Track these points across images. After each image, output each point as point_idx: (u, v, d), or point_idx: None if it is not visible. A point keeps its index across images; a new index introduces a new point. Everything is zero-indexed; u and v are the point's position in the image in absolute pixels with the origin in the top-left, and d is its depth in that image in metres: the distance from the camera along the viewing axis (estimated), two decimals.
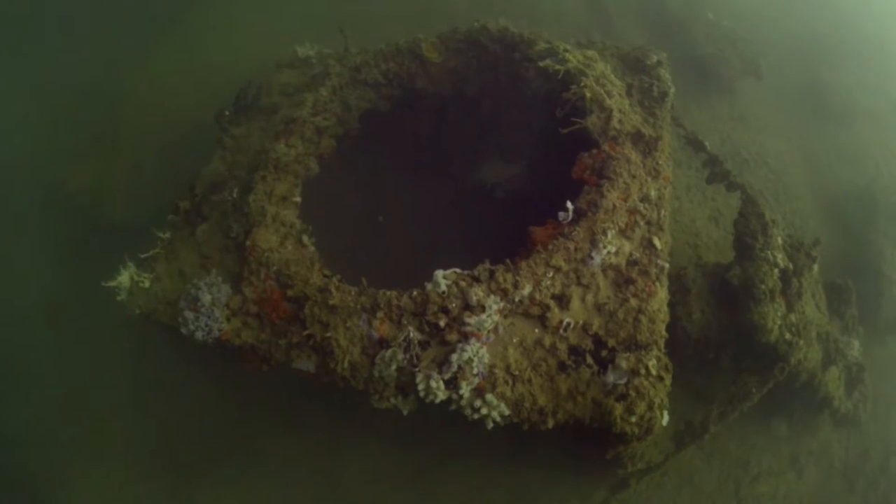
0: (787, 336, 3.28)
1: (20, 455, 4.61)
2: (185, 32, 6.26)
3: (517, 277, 2.81)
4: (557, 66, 3.72)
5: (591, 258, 2.93)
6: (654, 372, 2.74)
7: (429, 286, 2.92)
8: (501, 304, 2.81)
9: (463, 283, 2.86)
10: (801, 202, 5.60)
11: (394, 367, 2.86)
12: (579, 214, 2.97)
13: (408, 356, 2.83)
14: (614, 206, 2.99)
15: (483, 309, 2.80)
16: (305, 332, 3.11)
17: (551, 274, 2.86)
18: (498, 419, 2.84)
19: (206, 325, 3.27)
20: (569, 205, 3.00)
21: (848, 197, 5.51)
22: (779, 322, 3.28)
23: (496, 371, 2.87)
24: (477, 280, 2.87)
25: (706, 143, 4.41)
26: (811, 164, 6.02)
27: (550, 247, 2.86)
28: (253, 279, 3.48)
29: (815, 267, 3.69)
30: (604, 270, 2.98)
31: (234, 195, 4.11)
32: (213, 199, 4.40)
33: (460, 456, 4.13)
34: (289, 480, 4.17)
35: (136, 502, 4.17)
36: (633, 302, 2.93)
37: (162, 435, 4.50)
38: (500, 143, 5.48)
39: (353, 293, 3.06)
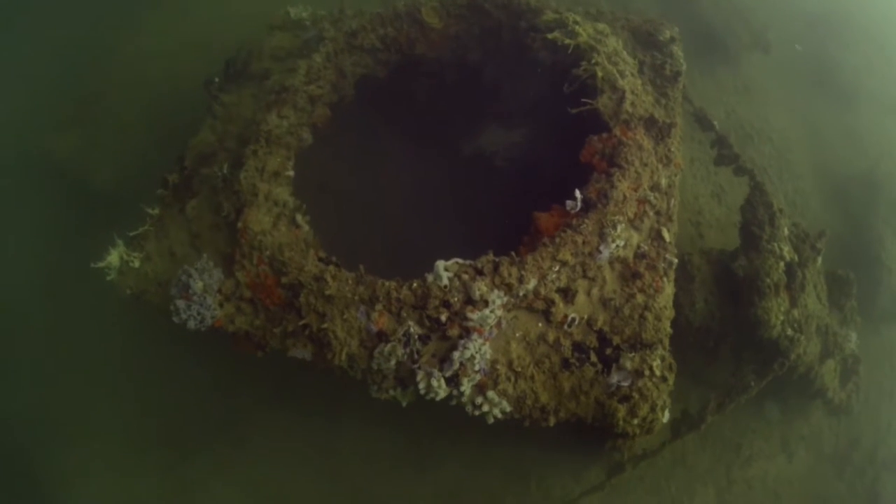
0: (789, 332, 3.25)
1: (11, 433, 4.59)
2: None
3: (522, 272, 2.70)
4: (567, 40, 3.47)
5: (600, 252, 2.81)
6: (657, 373, 2.69)
7: (430, 277, 2.81)
8: (505, 299, 2.73)
9: (466, 276, 2.75)
10: (803, 182, 5.48)
11: (393, 361, 2.78)
12: (588, 205, 2.83)
13: (407, 351, 2.76)
14: (625, 196, 2.85)
15: (486, 304, 2.71)
16: (301, 322, 3.03)
17: (557, 268, 2.76)
18: (499, 416, 2.80)
19: (199, 314, 3.16)
20: (577, 194, 2.87)
21: (850, 180, 5.40)
22: (781, 318, 3.24)
23: (498, 367, 2.80)
24: (480, 273, 2.76)
25: (715, 122, 4.24)
26: (815, 143, 5.86)
27: (557, 240, 2.74)
28: (245, 263, 3.35)
29: (819, 259, 3.63)
30: (611, 263, 2.87)
31: (225, 170, 3.90)
32: (202, 172, 4.21)
33: (458, 432, 4.16)
34: (285, 457, 4.18)
35: (130, 480, 4.19)
36: (640, 298, 2.85)
37: (155, 411, 4.47)
38: (499, 111, 5.26)
39: (350, 282, 2.95)
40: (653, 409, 2.64)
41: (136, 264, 3.83)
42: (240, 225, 3.37)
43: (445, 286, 2.68)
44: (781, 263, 3.30)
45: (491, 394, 2.76)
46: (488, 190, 5.27)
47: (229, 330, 3.34)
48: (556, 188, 4.70)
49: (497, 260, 2.77)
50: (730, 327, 3.48)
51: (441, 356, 2.80)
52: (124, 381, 4.79)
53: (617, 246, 2.82)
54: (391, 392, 2.93)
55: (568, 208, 2.87)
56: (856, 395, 3.99)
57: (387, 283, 2.84)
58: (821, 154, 5.74)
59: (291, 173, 4.00)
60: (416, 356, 2.73)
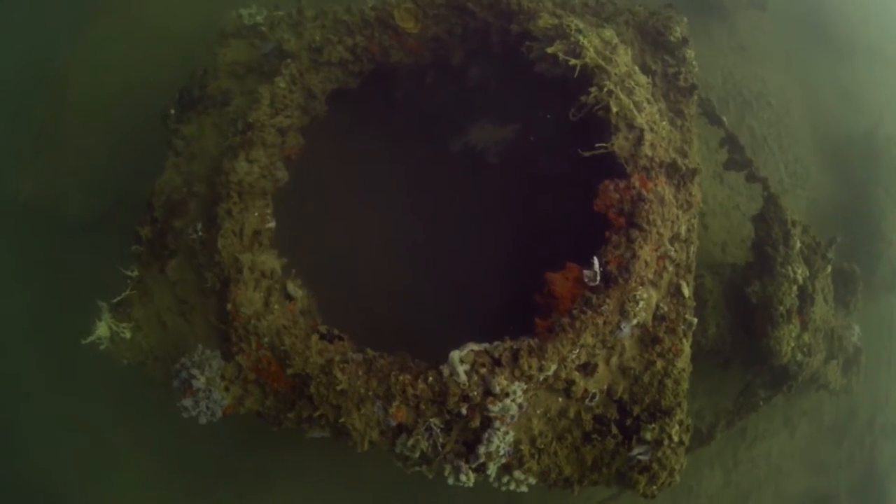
0: (799, 357, 3.25)
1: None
2: (113, 4, 5.06)
3: (542, 361, 2.59)
4: (573, 61, 3.06)
5: (621, 329, 2.70)
6: (675, 439, 2.69)
7: (445, 370, 2.69)
8: (525, 387, 2.65)
9: (483, 370, 2.62)
10: (802, 146, 5.24)
11: (417, 453, 2.76)
12: (608, 279, 2.67)
13: (431, 443, 2.72)
14: (646, 263, 2.69)
15: (507, 395, 2.65)
16: (317, 413, 2.94)
17: (578, 351, 2.67)
18: (525, 490, 2.86)
19: (208, 408, 3.03)
20: (595, 265, 2.65)
21: (849, 143, 5.17)
22: (792, 344, 3.24)
23: (522, 447, 2.78)
24: (498, 363, 2.63)
25: (724, 119, 3.94)
26: (812, 103, 5.51)
27: (578, 324, 2.57)
28: (244, 346, 3.15)
29: (829, 267, 3.57)
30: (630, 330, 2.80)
31: (199, 232, 3.59)
32: (175, 225, 3.88)
33: None
34: (309, 495, 4.29)
35: None
36: (659, 364, 2.76)
37: (174, 460, 4.49)
38: (488, 106, 4.85)
39: (361, 375, 2.82)
40: (671, 473, 2.70)
41: (128, 335, 3.62)
42: (229, 307, 3.15)
43: (464, 384, 2.60)
44: (795, 287, 3.24)
45: (517, 473, 2.76)
46: (482, 186, 5.00)
47: (240, 413, 3.26)
48: (556, 183, 4.49)
49: (516, 347, 2.63)
50: (741, 350, 3.50)
51: (465, 440, 2.78)
52: (133, 423, 4.77)
53: (638, 320, 2.73)
54: (417, 468, 2.95)
55: (585, 279, 2.68)
56: (856, 379, 4.14)
57: (401, 378, 2.70)
58: (819, 114, 5.44)
59: (273, 224, 3.70)
60: (439, 447, 2.70)
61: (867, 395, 4.64)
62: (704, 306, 3.44)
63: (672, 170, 2.80)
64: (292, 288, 3.33)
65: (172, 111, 4.14)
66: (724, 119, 3.82)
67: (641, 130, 2.79)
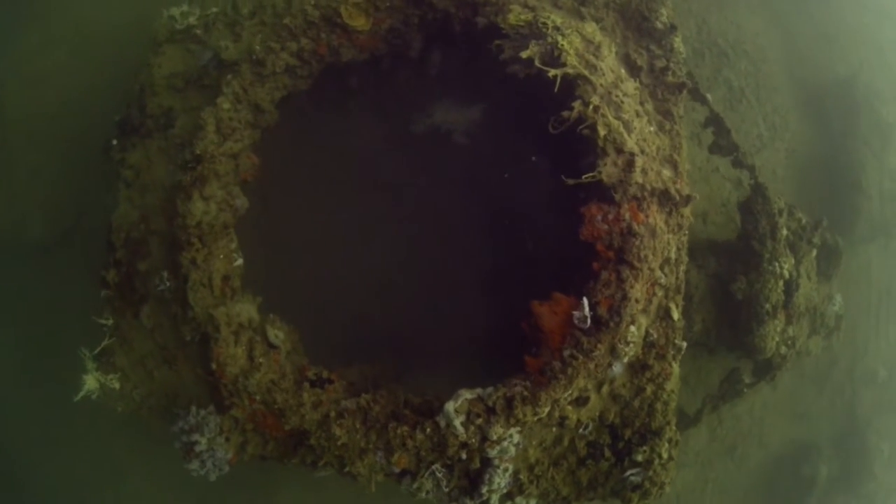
0: (783, 350, 3.34)
1: None
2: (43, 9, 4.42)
3: (536, 408, 2.62)
4: (553, 72, 2.76)
5: (612, 369, 2.72)
6: (665, 456, 2.83)
7: (441, 421, 2.71)
8: (521, 430, 2.72)
9: (479, 420, 2.65)
10: (779, 96, 4.97)
11: (423, 493, 2.89)
12: (598, 322, 2.61)
13: (435, 483, 2.84)
14: (637, 300, 2.65)
15: (504, 439, 2.72)
16: (321, 463, 3.00)
17: (569, 392, 2.70)
18: None
19: (215, 465, 3.07)
20: (585, 307, 2.59)
21: (828, 91, 4.92)
22: (777, 339, 3.32)
23: (520, 476, 2.91)
24: (493, 411, 2.64)
25: (708, 96, 3.70)
26: (790, 48, 5.13)
27: (570, 370, 2.54)
28: (236, 401, 3.15)
29: (815, 251, 3.56)
30: None
31: (166, 281, 3.42)
32: (139, 268, 3.70)
33: None
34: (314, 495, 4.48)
35: None
36: (649, 389, 2.80)
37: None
38: (452, 86, 4.49)
39: (359, 428, 2.85)
40: (661, 487, 2.87)
41: (116, 385, 3.59)
42: (213, 367, 3.08)
43: (461, 435, 2.64)
44: (781, 283, 3.26)
45: (519, 499, 2.92)
46: (450, 165, 4.77)
47: (245, 460, 3.32)
48: (527, 161, 4.30)
49: (509, 395, 2.64)
50: (726, 339, 3.58)
51: (467, 474, 2.89)
52: (139, 445, 4.86)
53: (628, 359, 2.74)
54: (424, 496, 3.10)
55: (575, 320, 2.61)
56: (837, 340, 4.30)
57: (399, 430, 2.73)
58: (797, 60, 5.07)
59: (240, 261, 3.54)
60: (444, 488, 2.82)
61: (847, 346, 4.85)
62: (690, 302, 3.47)
63: (664, 197, 2.67)
64: (273, 335, 3.26)
65: (114, 142, 3.79)
66: (709, 97, 3.59)
67: (632, 155, 2.60)
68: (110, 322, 3.61)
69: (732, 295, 3.35)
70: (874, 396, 4.96)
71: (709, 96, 3.70)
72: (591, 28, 2.93)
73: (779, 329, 3.30)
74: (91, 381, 3.55)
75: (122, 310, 3.61)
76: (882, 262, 5.00)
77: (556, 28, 2.91)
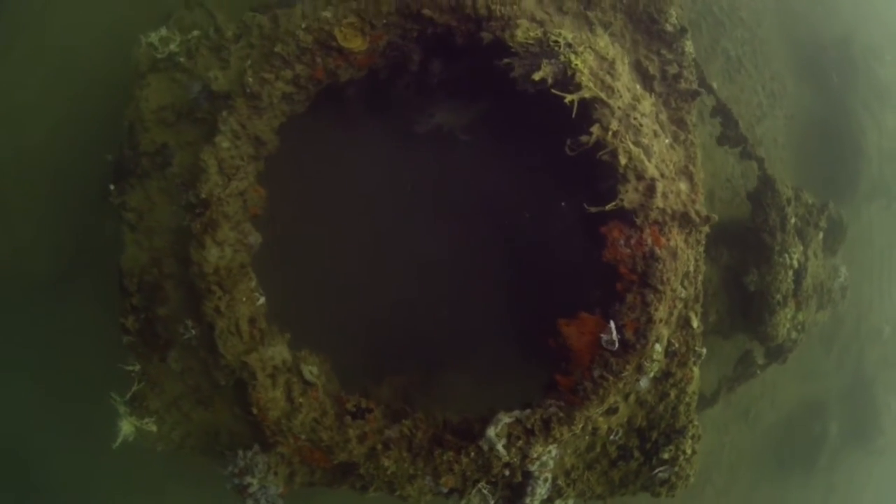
0: (794, 335, 3.66)
1: None
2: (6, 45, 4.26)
3: (572, 426, 2.94)
4: (570, 98, 2.83)
5: (639, 384, 3.02)
6: (689, 451, 3.21)
7: (484, 446, 3.02)
8: (557, 445, 3.04)
9: (520, 442, 2.97)
10: (777, 61, 5.06)
11: None
12: (625, 345, 2.86)
13: (481, 498, 3.18)
14: (661, 319, 2.89)
15: (543, 455, 3.04)
16: (372, 490, 3.31)
17: (601, 408, 3.00)
18: None
19: (268, 501, 3.38)
20: (613, 331, 2.84)
21: (824, 54, 5.02)
22: (787, 326, 3.62)
23: (559, 482, 3.28)
24: (531, 433, 2.97)
25: (714, 85, 3.81)
26: (784, 9, 5.17)
27: (601, 391, 2.85)
28: (281, 439, 3.41)
29: (821, 234, 3.81)
30: None
31: (191, 329, 3.57)
32: (159, 313, 3.84)
33: None
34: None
35: None
36: (673, 394, 3.12)
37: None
38: (453, 88, 4.51)
39: (407, 457, 3.14)
40: (686, 479, 3.26)
41: (154, 428, 3.84)
42: (255, 411, 3.31)
43: (504, 457, 2.95)
44: (791, 272, 3.53)
45: (558, 502, 3.32)
46: (456, 165, 4.89)
47: (296, 487, 3.62)
48: (535, 153, 4.43)
49: (546, 416, 2.95)
50: (739, 325, 3.89)
51: (510, 485, 3.25)
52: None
53: (654, 374, 3.02)
54: None
55: (603, 342, 2.90)
56: (842, 300, 4.65)
57: (445, 456, 3.04)
58: (792, 22, 5.15)
59: (263, 300, 3.69)
60: (490, 502, 3.17)
61: (852, 304, 5.22)
62: (705, 295, 3.75)
63: (685, 220, 2.87)
64: (308, 372, 3.49)
65: (112, 187, 3.82)
66: (715, 86, 3.72)
67: (653, 180, 2.77)
68: (137, 368, 3.81)
69: (745, 286, 3.64)
70: (880, 353, 5.41)
71: (715, 85, 3.82)
72: (603, 42, 3.00)
73: (789, 316, 3.62)
74: (127, 426, 3.76)
75: (148, 355, 3.79)
76: (883, 223, 5.32)
77: (568, 45, 2.96)
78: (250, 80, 3.41)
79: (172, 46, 3.72)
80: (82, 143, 4.40)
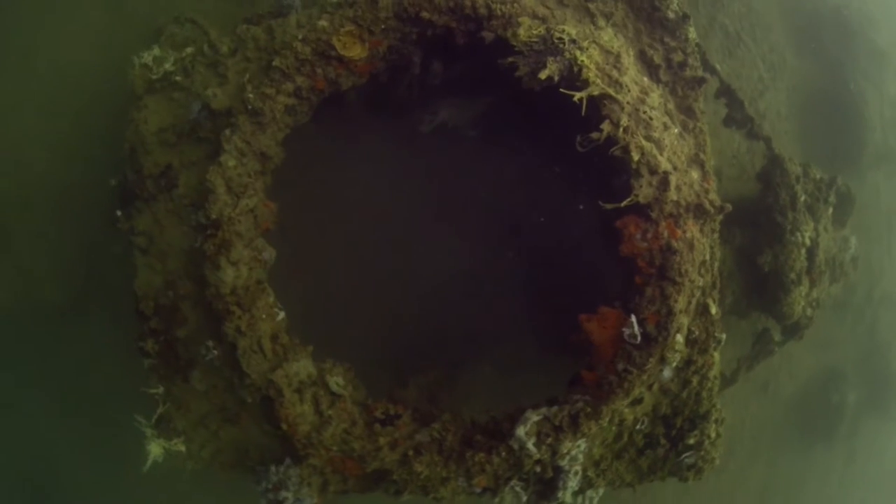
0: (808, 312, 3.75)
1: None
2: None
3: (598, 420, 3.04)
4: (578, 96, 2.86)
5: (662, 374, 3.10)
6: (713, 435, 3.33)
7: (514, 445, 3.13)
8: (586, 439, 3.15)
9: (549, 440, 3.07)
10: (774, 33, 5.08)
11: (505, 503, 3.36)
12: (647, 338, 2.95)
13: (514, 496, 3.30)
14: (682, 310, 2.97)
15: (572, 449, 3.15)
16: (405, 495, 3.41)
17: (627, 401, 3.09)
18: (596, 500, 3.57)
19: None
20: (634, 325, 2.93)
21: (821, 22, 5.01)
22: (803, 303, 3.70)
23: (589, 473, 3.40)
24: (560, 429, 3.07)
25: (717, 66, 3.84)
26: None
27: (626, 384, 2.95)
28: (312, 452, 3.51)
29: (831, 209, 3.87)
30: None
31: (213, 350, 3.64)
32: (179, 335, 3.91)
33: None
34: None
35: None
36: (695, 381, 3.22)
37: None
38: (455, 85, 4.52)
39: (439, 461, 3.24)
40: (712, 461, 3.38)
41: (182, 448, 3.93)
42: (284, 427, 3.40)
43: (535, 454, 3.06)
44: (803, 251, 3.60)
45: (589, 492, 3.45)
46: (463, 162, 4.93)
47: (329, 496, 3.73)
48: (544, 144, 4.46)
49: (573, 412, 3.04)
50: (755, 305, 3.98)
51: (542, 480, 3.37)
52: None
53: (677, 364, 3.11)
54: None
55: (626, 336, 2.98)
56: (854, 270, 4.74)
57: (476, 457, 3.14)
58: None
59: (282, 315, 3.76)
60: (523, 500, 3.29)
61: (863, 273, 5.31)
62: (720, 278, 3.83)
63: (699, 211, 2.93)
64: (334, 384, 3.57)
65: (119, 213, 3.85)
66: (719, 67, 3.75)
67: (666, 174, 2.83)
68: (160, 390, 3.89)
69: (759, 266, 3.72)
70: (893, 318, 5.53)
71: (718, 66, 3.85)
72: (607, 36, 3.03)
73: (804, 294, 3.71)
74: (155, 448, 3.86)
75: (170, 376, 3.87)
76: (890, 188, 5.39)
77: (573, 41, 2.98)
78: (251, 96, 3.43)
79: (167, 66, 3.73)
80: (83, 167, 4.42)
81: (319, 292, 4.62)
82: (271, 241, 3.88)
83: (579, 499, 3.46)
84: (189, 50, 3.73)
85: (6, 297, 4.77)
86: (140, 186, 3.80)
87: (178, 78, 3.70)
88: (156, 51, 3.73)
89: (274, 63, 3.39)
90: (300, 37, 3.37)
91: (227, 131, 3.47)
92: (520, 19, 3.09)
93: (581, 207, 3.74)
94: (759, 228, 3.75)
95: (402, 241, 4.73)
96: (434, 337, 4.75)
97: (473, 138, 4.79)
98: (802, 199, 3.65)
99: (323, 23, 3.37)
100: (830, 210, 3.89)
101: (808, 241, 3.60)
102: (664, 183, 2.86)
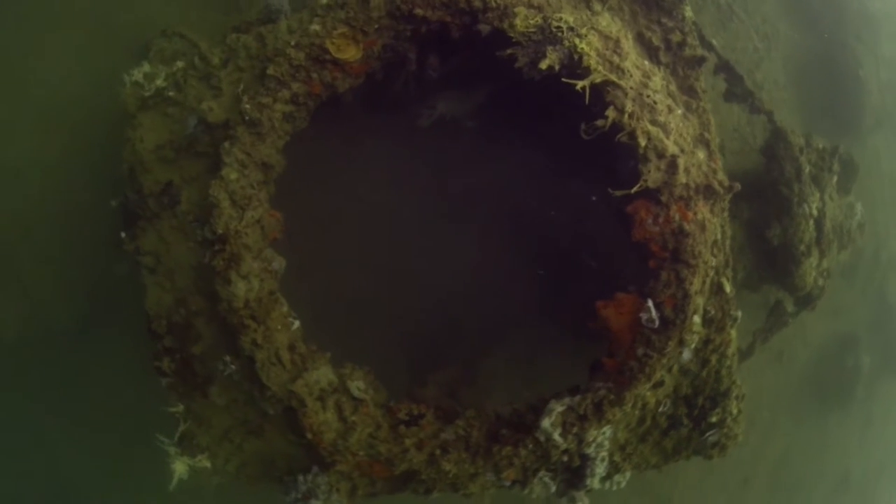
0: (820, 282, 3.80)
1: None
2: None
3: (622, 406, 3.09)
4: (580, 84, 2.88)
5: (682, 356, 3.16)
6: (734, 412, 3.40)
7: (540, 436, 3.18)
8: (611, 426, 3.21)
9: (575, 429, 3.13)
10: (765, 4, 5.10)
11: (533, 495, 3.43)
12: (665, 321, 2.99)
13: (543, 486, 3.37)
14: (697, 291, 3.01)
15: (598, 437, 3.21)
16: (435, 493, 3.47)
17: (648, 385, 3.15)
18: (623, 484, 3.64)
19: None
20: (652, 309, 2.97)
21: None
22: (814, 274, 3.76)
23: (615, 458, 3.48)
24: (584, 418, 3.13)
25: (713, 42, 3.84)
26: None
27: (647, 369, 3.01)
28: (338, 458, 3.55)
29: (835, 178, 3.91)
30: None
31: (230, 365, 3.67)
32: (194, 352, 3.93)
33: None
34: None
35: None
36: (714, 359, 3.28)
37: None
38: (452, 78, 4.51)
39: (466, 458, 3.29)
40: (735, 438, 3.45)
41: (207, 464, 3.98)
42: (309, 435, 3.44)
43: (562, 444, 3.12)
44: (811, 222, 3.64)
45: (617, 476, 3.52)
46: (463, 152, 4.94)
47: (358, 498, 3.79)
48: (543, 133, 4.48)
49: (597, 400, 3.10)
50: (767, 278, 4.03)
51: (569, 468, 3.43)
52: None
53: (695, 345, 3.16)
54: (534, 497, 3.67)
55: (643, 321, 3.03)
56: (861, 241, 4.79)
57: (504, 451, 3.21)
58: None
59: (297, 324, 3.78)
60: (552, 490, 3.36)
61: (869, 237, 5.36)
62: (731, 254, 3.89)
63: (708, 192, 2.96)
64: (355, 389, 3.61)
65: (123, 234, 3.85)
66: (715, 42, 3.76)
67: (674, 157, 2.86)
68: (179, 408, 3.92)
69: (768, 240, 3.77)
70: None
71: (714, 42, 3.86)
72: (605, 21, 3.03)
73: (814, 265, 3.76)
74: (180, 466, 3.91)
75: (189, 393, 3.91)
76: (890, 151, 5.44)
77: (571, 29, 2.99)
78: (248, 106, 3.43)
79: (159, 81, 3.71)
80: (82, 189, 4.40)
81: (327, 296, 4.64)
82: (279, 249, 3.92)
83: (607, 484, 3.53)
84: (180, 64, 3.71)
85: (16, 322, 4.79)
86: (142, 206, 3.80)
87: (170, 93, 3.69)
88: (146, 67, 3.71)
89: (268, 71, 3.39)
90: (293, 42, 3.36)
91: (227, 144, 3.47)
92: (515, 9, 3.09)
93: (594, 199, 3.77)
94: (766, 201, 3.79)
95: (407, 239, 4.75)
96: (447, 333, 4.80)
97: (472, 129, 4.80)
98: (807, 170, 3.70)
99: (315, 27, 3.36)
100: (835, 178, 3.94)
101: (815, 212, 3.65)
102: (672, 166, 2.89)
